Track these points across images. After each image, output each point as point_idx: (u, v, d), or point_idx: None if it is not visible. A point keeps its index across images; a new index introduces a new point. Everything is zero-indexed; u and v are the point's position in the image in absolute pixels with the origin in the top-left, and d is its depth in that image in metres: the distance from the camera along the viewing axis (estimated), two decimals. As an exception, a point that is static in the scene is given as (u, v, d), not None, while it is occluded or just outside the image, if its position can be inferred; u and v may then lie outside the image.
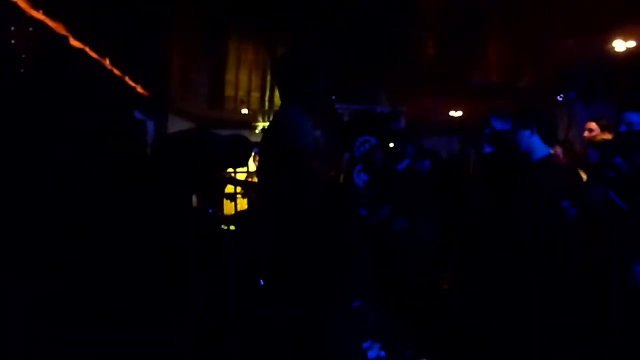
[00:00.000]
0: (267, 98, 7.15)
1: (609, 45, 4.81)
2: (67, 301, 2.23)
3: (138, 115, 5.35)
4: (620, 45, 4.80)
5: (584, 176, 3.13)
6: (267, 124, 7.68)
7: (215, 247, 3.30)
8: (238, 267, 3.22)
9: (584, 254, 2.60)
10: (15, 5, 2.84)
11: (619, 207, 2.24)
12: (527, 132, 2.70)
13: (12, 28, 2.77)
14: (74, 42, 3.59)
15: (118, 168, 2.96)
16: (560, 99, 6.62)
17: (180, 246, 2.52)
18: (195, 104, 7.50)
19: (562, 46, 4.86)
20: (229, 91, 6.84)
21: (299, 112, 2.19)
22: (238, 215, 4.97)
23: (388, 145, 4.26)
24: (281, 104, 2.30)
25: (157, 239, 2.43)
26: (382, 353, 3.30)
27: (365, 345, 3.33)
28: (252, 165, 6.28)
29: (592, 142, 3.49)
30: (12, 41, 2.77)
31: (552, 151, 2.75)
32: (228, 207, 5.11)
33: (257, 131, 7.94)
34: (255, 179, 5.47)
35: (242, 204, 5.65)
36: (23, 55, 2.80)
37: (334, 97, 6.64)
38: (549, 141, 2.73)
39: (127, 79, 4.94)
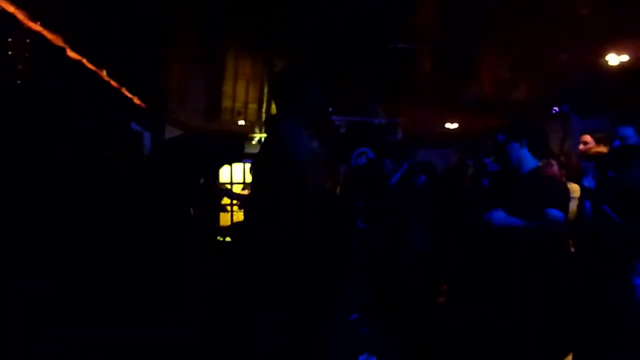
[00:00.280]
0: (264, 110, 7.17)
1: (603, 59, 4.87)
2: (67, 301, 2.22)
3: (135, 126, 5.36)
4: (613, 59, 4.86)
5: (578, 189, 3.14)
6: (263, 135, 7.70)
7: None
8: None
9: (580, 267, 2.61)
10: (13, 16, 2.86)
11: (613, 221, 2.25)
12: (516, 145, 2.73)
13: (10, 39, 2.78)
14: (72, 54, 3.60)
15: (117, 171, 2.96)
16: (555, 111, 6.67)
17: (180, 246, 2.52)
18: (192, 115, 7.49)
19: (556, 60, 4.91)
20: (226, 102, 6.85)
21: (294, 124, 2.20)
22: (234, 226, 4.97)
23: (384, 158, 4.26)
24: (277, 115, 2.31)
25: (156, 239, 2.43)
26: (379, 366, 3.29)
27: (361, 358, 3.32)
28: (247, 177, 6.29)
29: (587, 155, 3.50)
30: (10, 52, 2.78)
31: (540, 164, 2.76)
32: (224, 219, 5.11)
33: (253, 142, 7.96)
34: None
35: (239, 215, 5.65)
36: (20, 67, 2.81)
37: (331, 109, 6.67)
38: (539, 154, 2.75)
39: (124, 90, 4.95)
